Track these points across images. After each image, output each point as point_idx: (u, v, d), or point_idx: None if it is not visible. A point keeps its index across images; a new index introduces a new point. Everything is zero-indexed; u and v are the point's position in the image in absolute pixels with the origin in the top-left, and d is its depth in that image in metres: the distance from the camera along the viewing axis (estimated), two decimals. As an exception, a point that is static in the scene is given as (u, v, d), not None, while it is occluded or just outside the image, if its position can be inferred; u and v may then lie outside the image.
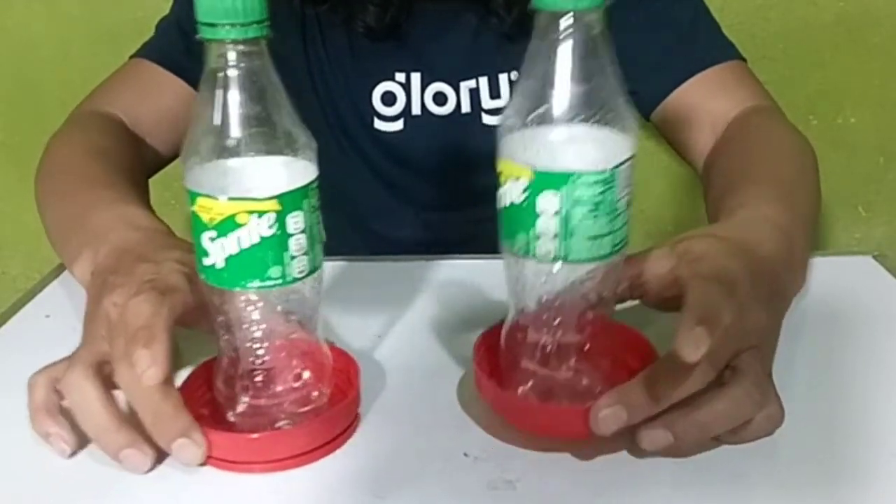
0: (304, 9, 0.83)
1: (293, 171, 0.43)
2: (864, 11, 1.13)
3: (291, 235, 0.42)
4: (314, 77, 0.86)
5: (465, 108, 0.84)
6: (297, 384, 0.47)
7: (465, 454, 0.47)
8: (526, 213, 0.42)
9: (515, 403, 0.47)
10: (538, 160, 0.41)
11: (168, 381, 0.45)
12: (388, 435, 0.49)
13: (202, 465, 0.45)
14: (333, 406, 0.48)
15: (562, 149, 0.41)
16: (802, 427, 0.48)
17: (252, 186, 0.41)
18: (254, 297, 0.44)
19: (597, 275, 0.44)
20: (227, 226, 0.41)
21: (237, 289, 0.43)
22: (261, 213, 0.41)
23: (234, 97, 0.41)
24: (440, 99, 0.83)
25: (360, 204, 0.94)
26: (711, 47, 0.80)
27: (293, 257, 0.43)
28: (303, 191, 0.43)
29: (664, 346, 0.48)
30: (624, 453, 0.46)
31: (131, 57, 0.82)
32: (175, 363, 0.47)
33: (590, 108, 0.41)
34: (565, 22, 0.40)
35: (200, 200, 0.42)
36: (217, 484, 0.45)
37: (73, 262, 0.57)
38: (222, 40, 0.40)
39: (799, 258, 0.57)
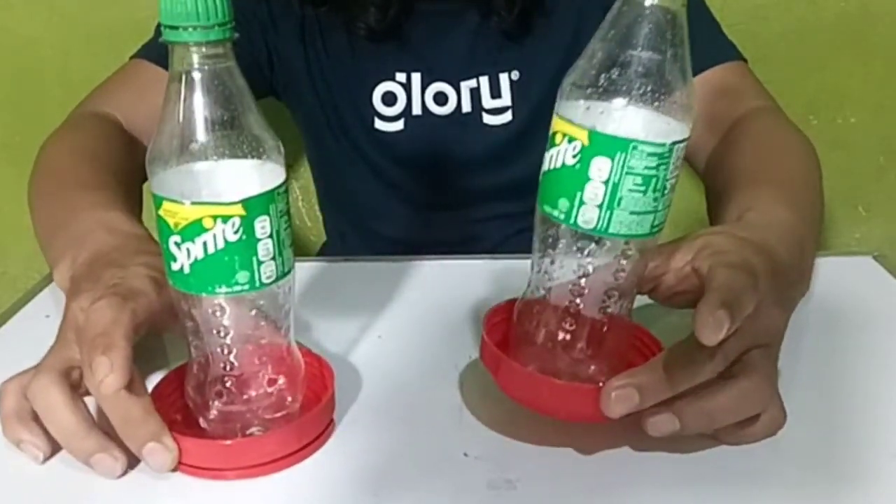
0: (303, 9, 0.83)
1: (260, 175, 0.42)
2: (864, 11, 1.13)
3: (259, 240, 0.42)
4: (314, 77, 0.86)
5: (466, 107, 0.84)
6: (270, 389, 0.47)
7: (465, 454, 0.47)
8: (576, 176, 0.42)
9: (519, 375, 0.46)
10: (598, 123, 0.41)
11: (136, 385, 0.44)
12: (388, 435, 0.48)
13: (174, 470, 0.45)
14: (306, 411, 0.47)
15: (623, 116, 0.41)
16: (803, 427, 0.48)
17: (217, 191, 0.41)
18: (222, 302, 0.44)
19: (630, 254, 0.44)
20: (193, 230, 0.41)
21: (204, 294, 0.43)
22: (226, 218, 0.41)
23: (199, 100, 0.41)
24: (441, 99, 0.83)
25: (360, 204, 0.94)
26: (713, 48, 0.79)
27: (261, 262, 0.42)
28: (269, 195, 0.42)
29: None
30: (624, 453, 0.46)
31: (131, 58, 0.82)
32: (147, 366, 0.47)
33: (658, 83, 0.41)
34: None
35: (166, 205, 0.41)
36: (212, 487, 0.45)
37: (55, 266, 0.57)
38: (185, 43, 0.40)
39: (808, 263, 0.56)
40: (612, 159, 0.41)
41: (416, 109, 0.84)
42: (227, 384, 0.46)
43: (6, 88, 1.19)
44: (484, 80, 0.83)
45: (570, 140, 0.41)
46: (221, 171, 0.42)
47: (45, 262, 0.60)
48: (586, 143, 0.41)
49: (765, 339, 0.46)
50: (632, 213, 0.42)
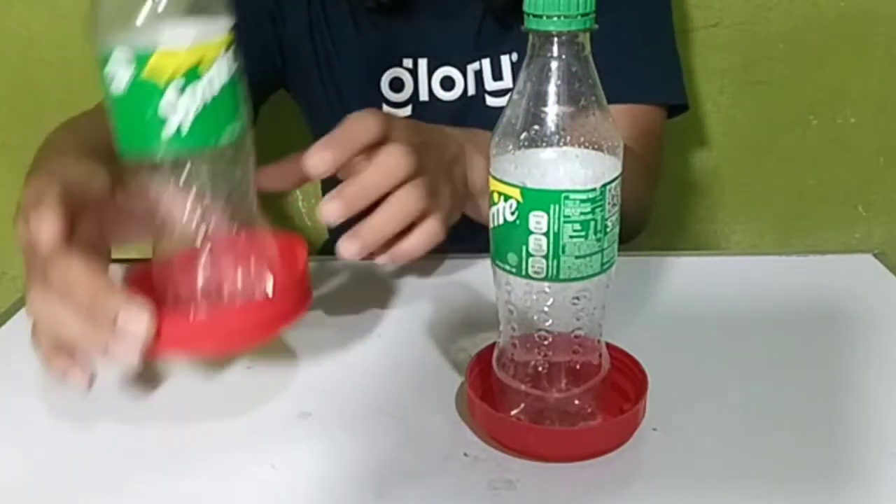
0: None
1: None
2: (864, 11, 1.13)
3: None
4: (322, 67, 0.86)
5: (471, 90, 0.84)
6: (242, 276, 0.48)
7: (465, 454, 0.47)
8: (517, 231, 0.43)
9: (506, 425, 0.47)
10: (528, 179, 0.42)
11: (98, 271, 0.44)
12: (388, 435, 0.49)
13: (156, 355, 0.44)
14: (280, 289, 0.48)
15: (551, 168, 0.42)
16: (802, 427, 0.48)
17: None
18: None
19: (586, 293, 0.44)
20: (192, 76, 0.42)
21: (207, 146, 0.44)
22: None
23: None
24: (447, 84, 0.84)
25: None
26: (641, 82, 0.80)
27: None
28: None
29: (656, 366, 0.48)
30: (623, 453, 0.46)
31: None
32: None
33: (578, 129, 0.42)
34: (556, 43, 0.41)
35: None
36: (212, 484, 0.45)
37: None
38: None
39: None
40: (547, 212, 0.42)
41: (424, 95, 0.84)
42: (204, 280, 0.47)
43: (6, 88, 1.19)
44: (486, 63, 0.83)
45: (506, 199, 0.43)
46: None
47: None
48: (520, 199, 0.42)
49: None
50: (577, 257, 0.42)
